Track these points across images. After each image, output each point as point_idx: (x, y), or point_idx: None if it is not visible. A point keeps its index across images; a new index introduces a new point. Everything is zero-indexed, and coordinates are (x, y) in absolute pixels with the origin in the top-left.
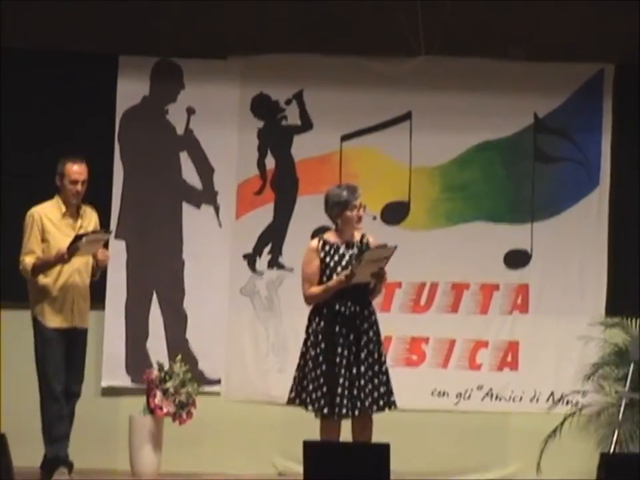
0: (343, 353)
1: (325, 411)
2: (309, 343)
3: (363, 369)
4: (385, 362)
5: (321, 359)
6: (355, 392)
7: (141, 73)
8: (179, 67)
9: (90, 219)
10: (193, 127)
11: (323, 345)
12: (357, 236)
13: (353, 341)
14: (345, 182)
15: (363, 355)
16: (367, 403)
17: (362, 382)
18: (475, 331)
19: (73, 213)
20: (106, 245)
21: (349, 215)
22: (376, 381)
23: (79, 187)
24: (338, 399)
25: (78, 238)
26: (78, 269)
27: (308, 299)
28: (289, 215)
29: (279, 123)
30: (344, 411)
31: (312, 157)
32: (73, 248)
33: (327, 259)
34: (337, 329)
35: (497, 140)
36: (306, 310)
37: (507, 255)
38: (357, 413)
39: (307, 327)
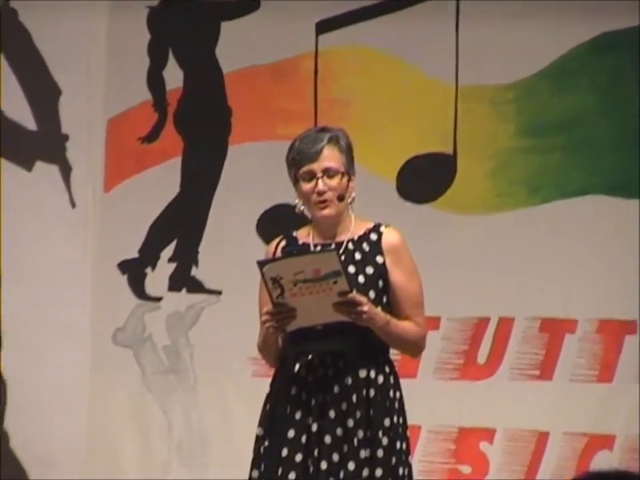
0: (292, 457)
1: None
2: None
3: (324, 474)
4: (397, 468)
5: (261, 462)
6: None
7: None
8: None
9: None
10: (18, 3)
11: (267, 443)
12: (359, 229)
13: (315, 433)
14: (326, 117)
15: (327, 451)
16: None
17: None
18: (588, 413)
19: None
20: None
21: (302, 188)
22: None
23: None
24: None
25: None
26: None
27: (260, 353)
28: (211, 184)
29: None
30: None
31: (258, 66)
32: None
33: None
34: (288, 410)
35: (628, 31)
36: (243, 374)
37: None
38: None
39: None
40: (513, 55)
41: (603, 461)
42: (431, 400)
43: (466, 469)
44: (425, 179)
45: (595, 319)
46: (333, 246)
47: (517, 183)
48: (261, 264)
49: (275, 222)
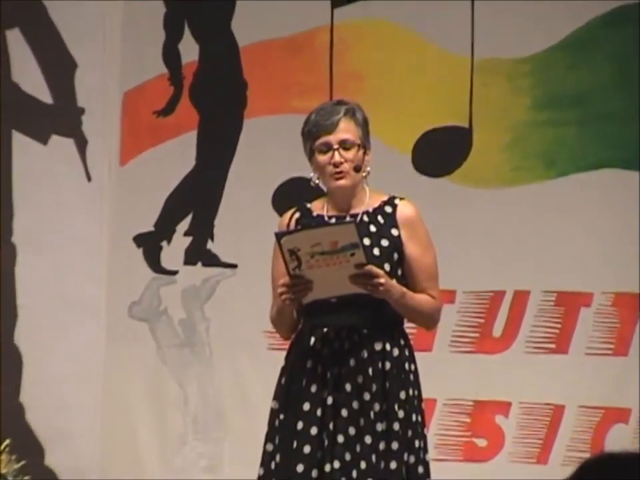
0: (307, 430)
1: None
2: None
3: (340, 447)
4: (413, 441)
5: (276, 436)
6: None
7: None
8: None
9: None
10: None
11: (282, 416)
12: (374, 201)
13: (331, 406)
14: (341, 91)
15: (343, 424)
16: None
17: (336, 464)
18: (603, 387)
19: None
20: None
21: (318, 160)
22: (375, 464)
23: None
24: None
25: None
26: None
27: (273, 325)
28: (227, 157)
29: None
30: None
31: (273, 40)
32: None
33: None
34: (304, 383)
35: None
36: (259, 347)
37: None
38: None
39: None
40: (529, 28)
41: (618, 435)
42: (446, 373)
43: (481, 442)
44: (440, 152)
45: (610, 292)
46: (348, 218)
47: (533, 157)
48: (279, 235)
49: (291, 195)
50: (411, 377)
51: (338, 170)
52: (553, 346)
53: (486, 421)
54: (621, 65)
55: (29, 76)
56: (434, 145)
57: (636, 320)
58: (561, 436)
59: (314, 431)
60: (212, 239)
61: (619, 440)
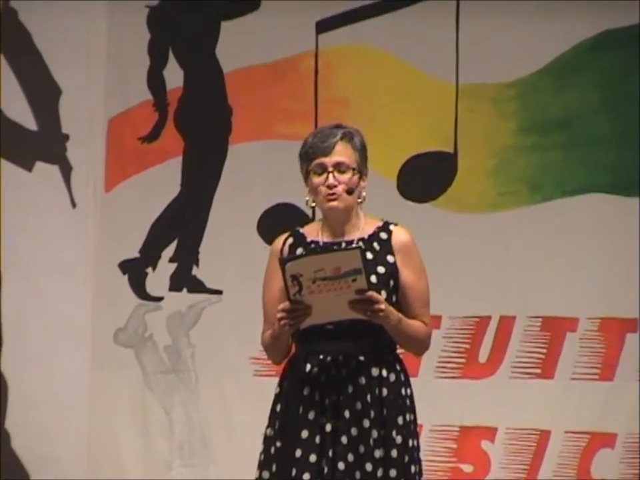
0: (306, 457)
1: None
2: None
3: (340, 474)
4: (409, 466)
5: (272, 463)
6: None
7: None
8: None
9: None
10: (18, 3)
11: (278, 443)
12: (369, 227)
13: (330, 433)
14: (326, 116)
15: (343, 451)
16: None
17: None
18: (589, 412)
19: None
20: None
21: (313, 181)
22: None
23: None
24: None
25: None
26: None
27: (265, 350)
28: (212, 183)
29: None
30: None
31: (258, 65)
32: None
33: None
34: (301, 410)
35: (630, 29)
36: (244, 374)
37: None
38: None
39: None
40: (514, 53)
41: (604, 460)
42: (432, 399)
43: (467, 468)
44: (425, 177)
45: (596, 317)
46: (344, 244)
47: (518, 182)
48: (284, 261)
49: (276, 221)
50: (407, 401)
51: (331, 192)
52: (539, 371)
53: (472, 447)
54: (606, 89)
55: (13, 102)
56: (419, 170)
57: (622, 345)
58: (547, 461)
59: (313, 458)
60: (197, 265)
61: (605, 465)
